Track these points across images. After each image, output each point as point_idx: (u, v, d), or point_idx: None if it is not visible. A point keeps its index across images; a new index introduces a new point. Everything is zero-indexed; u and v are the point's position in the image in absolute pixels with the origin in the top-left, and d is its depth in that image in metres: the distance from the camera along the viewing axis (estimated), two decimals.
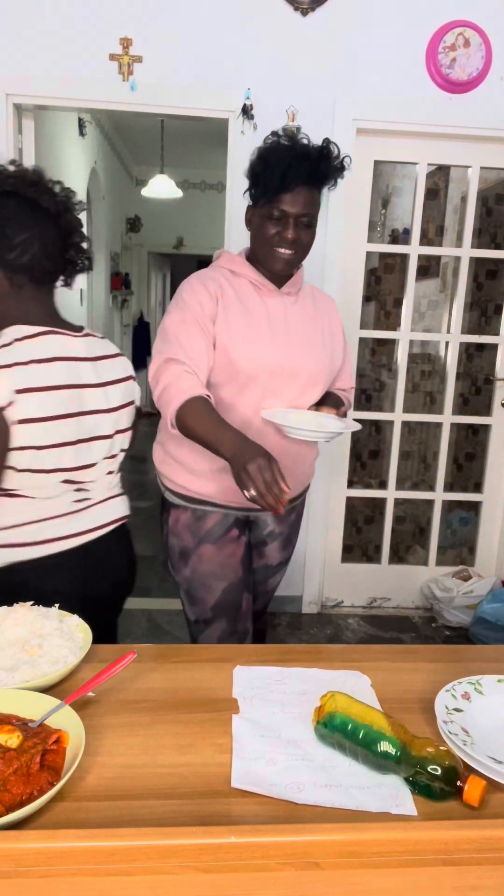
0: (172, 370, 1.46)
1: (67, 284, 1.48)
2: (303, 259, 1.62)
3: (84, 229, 1.43)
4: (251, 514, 1.70)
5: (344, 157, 1.56)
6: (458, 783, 0.80)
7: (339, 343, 1.75)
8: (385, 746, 0.84)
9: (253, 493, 1.23)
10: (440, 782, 0.80)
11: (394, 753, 0.83)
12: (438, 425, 3.28)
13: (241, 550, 1.68)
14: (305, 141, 1.56)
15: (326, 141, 1.55)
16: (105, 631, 1.28)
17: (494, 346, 3.31)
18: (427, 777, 0.81)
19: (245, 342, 1.55)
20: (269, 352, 1.57)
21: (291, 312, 1.64)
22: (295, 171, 1.49)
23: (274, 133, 1.59)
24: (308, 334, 1.64)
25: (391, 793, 0.82)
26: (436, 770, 0.80)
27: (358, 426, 1.58)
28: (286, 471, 1.48)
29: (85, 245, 1.40)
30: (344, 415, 1.69)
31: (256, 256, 1.61)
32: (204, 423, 1.37)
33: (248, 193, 1.61)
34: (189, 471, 1.63)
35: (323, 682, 1.05)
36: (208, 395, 1.44)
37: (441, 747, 0.83)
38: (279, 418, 1.53)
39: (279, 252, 1.56)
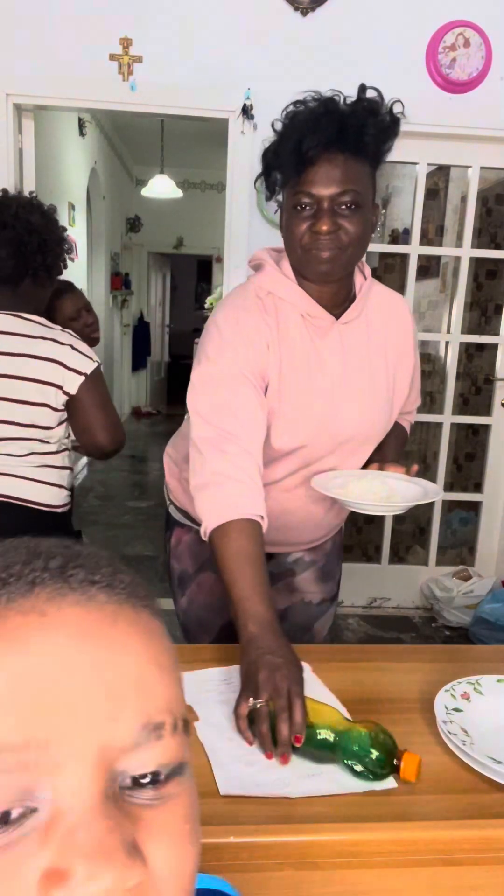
0: (231, 458, 1.09)
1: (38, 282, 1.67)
2: (355, 259, 1.16)
3: (59, 249, 1.62)
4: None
5: (393, 103, 1.10)
6: (395, 762, 0.81)
7: (409, 370, 1.33)
8: (322, 734, 0.84)
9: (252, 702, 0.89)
10: (376, 764, 0.81)
11: (330, 740, 0.83)
12: (438, 425, 3.28)
13: None
14: (338, 98, 1.10)
15: (363, 88, 1.10)
16: None
17: (494, 346, 3.31)
18: (363, 761, 0.81)
19: (286, 413, 1.18)
20: (316, 425, 1.21)
21: (350, 353, 1.22)
22: (314, 133, 1.04)
23: (298, 102, 1.13)
24: (371, 386, 1.25)
25: None
26: (370, 753, 0.81)
27: (439, 492, 1.22)
28: (320, 527, 1.34)
29: (52, 259, 1.60)
30: (416, 472, 1.29)
31: (295, 266, 1.20)
32: (236, 571, 1.03)
33: (270, 189, 1.17)
34: None
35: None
36: (261, 517, 1.08)
37: (373, 728, 0.83)
38: (336, 488, 1.19)
39: (314, 256, 1.11)
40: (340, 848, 0.68)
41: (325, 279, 1.15)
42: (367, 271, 1.26)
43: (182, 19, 2.57)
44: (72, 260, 5.70)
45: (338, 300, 1.21)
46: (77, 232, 5.41)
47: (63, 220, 4.95)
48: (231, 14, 2.59)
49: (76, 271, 5.47)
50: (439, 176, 4.33)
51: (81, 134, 5.39)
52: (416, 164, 2.94)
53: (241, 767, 0.84)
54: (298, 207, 1.10)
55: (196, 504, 1.11)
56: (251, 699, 0.88)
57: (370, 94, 1.11)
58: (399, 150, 3.13)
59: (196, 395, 1.17)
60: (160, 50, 2.58)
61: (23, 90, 2.60)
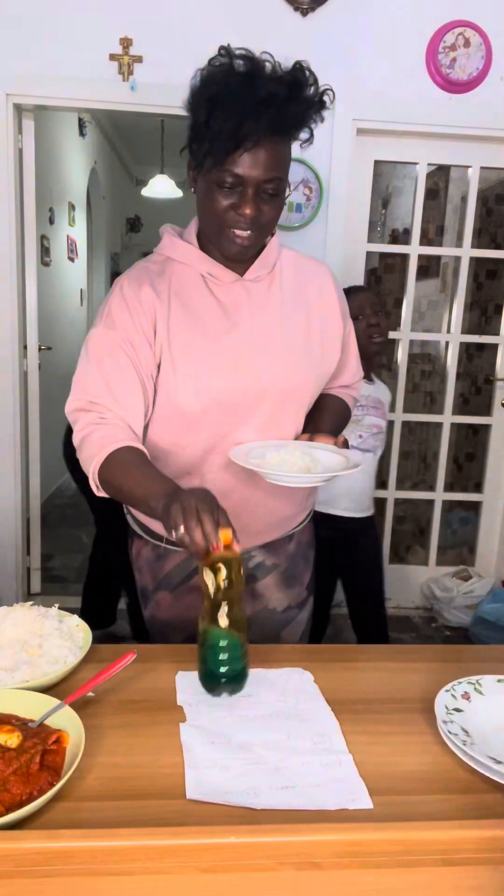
0: (87, 418, 1.15)
1: None
2: (266, 237, 1.20)
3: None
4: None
5: (324, 90, 1.10)
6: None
7: (335, 332, 1.31)
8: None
9: (181, 533, 0.92)
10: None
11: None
12: (438, 425, 3.28)
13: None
14: (269, 66, 1.08)
15: (298, 65, 1.10)
16: None
17: (494, 346, 3.32)
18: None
19: (189, 370, 1.17)
20: (225, 378, 1.18)
21: (259, 309, 1.22)
22: (254, 120, 1.03)
23: (224, 52, 1.10)
24: (283, 337, 1.22)
25: (345, 787, 0.81)
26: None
27: (359, 463, 1.16)
28: (266, 516, 1.28)
29: None
30: (344, 444, 1.25)
31: (206, 235, 1.21)
32: (132, 474, 1.06)
33: (196, 159, 1.13)
34: None
35: (267, 682, 1.05)
36: (141, 449, 1.12)
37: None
38: (255, 459, 1.15)
39: (233, 234, 1.13)
40: (341, 848, 0.68)
41: (237, 258, 1.18)
42: (274, 231, 1.26)
43: (182, 19, 2.57)
44: (72, 260, 5.71)
45: (244, 265, 1.22)
46: (77, 232, 5.42)
47: (63, 220, 4.96)
48: (231, 14, 2.59)
49: (76, 271, 5.47)
50: (439, 176, 4.33)
51: (81, 134, 5.39)
52: (416, 164, 2.94)
53: (216, 772, 0.83)
54: (223, 184, 1.09)
55: (81, 462, 1.14)
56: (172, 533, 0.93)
57: (304, 73, 1.10)
58: (399, 150, 3.14)
59: (80, 367, 1.20)
60: (160, 50, 2.58)
61: (23, 90, 2.60)
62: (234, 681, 0.99)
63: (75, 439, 1.16)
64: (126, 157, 7.39)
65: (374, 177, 2.92)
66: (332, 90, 1.11)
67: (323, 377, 1.31)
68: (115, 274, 7.18)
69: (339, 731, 0.92)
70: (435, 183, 4.34)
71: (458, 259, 3.10)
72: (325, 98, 1.10)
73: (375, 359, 2.15)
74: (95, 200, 6.25)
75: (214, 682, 0.99)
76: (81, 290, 5.72)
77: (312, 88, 1.09)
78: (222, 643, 0.97)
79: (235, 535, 0.95)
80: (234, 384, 1.19)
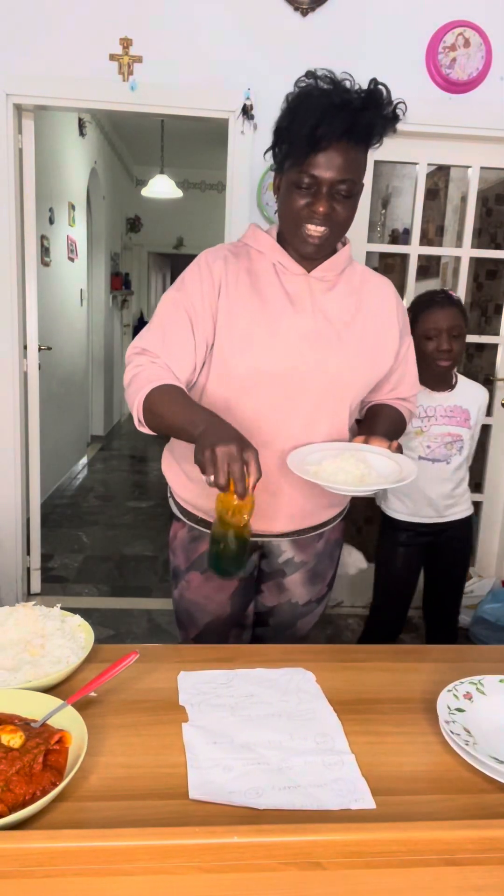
0: (140, 360, 1.25)
1: None
2: (339, 239, 1.29)
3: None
4: (260, 540, 1.43)
5: (397, 104, 1.20)
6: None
7: (390, 342, 1.38)
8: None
9: (212, 479, 1.02)
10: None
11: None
12: None
13: (233, 585, 1.44)
14: (348, 83, 1.20)
15: (374, 82, 1.19)
16: None
17: (494, 346, 3.32)
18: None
19: (254, 338, 1.27)
20: (277, 353, 1.27)
21: (322, 301, 1.31)
22: (329, 124, 1.13)
23: (310, 74, 1.22)
24: (339, 335, 1.30)
25: (348, 788, 0.82)
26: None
27: (412, 472, 1.20)
28: (306, 500, 1.37)
29: None
30: (398, 449, 1.29)
31: (283, 234, 1.31)
32: (173, 407, 1.16)
33: (271, 154, 1.27)
34: (188, 478, 1.41)
35: (269, 682, 1.05)
36: (183, 388, 1.23)
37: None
38: (312, 464, 1.23)
39: (308, 230, 1.22)
40: (343, 848, 0.68)
41: (312, 255, 1.26)
42: (346, 239, 1.36)
43: (182, 19, 2.57)
44: (72, 260, 5.71)
45: (314, 264, 1.31)
46: (77, 232, 5.41)
47: (63, 220, 4.96)
48: (231, 14, 2.59)
49: (76, 271, 5.47)
50: (439, 176, 4.33)
51: (81, 134, 5.39)
52: (416, 164, 2.94)
53: (219, 772, 0.83)
54: (300, 185, 1.19)
55: (128, 401, 1.24)
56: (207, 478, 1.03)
57: (380, 88, 1.20)
58: (399, 150, 3.14)
59: (156, 313, 1.33)
60: (160, 50, 2.58)
61: (23, 90, 2.60)
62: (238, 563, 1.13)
63: (126, 378, 1.26)
64: (126, 157, 7.39)
65: (374, 177, 2.92)
66: (404, 103, 1.21)
67: (370, 382, 1.38)
68: (115, 274, 7.18)
69: (341, 731, 0.93)
70: (435, 183, 4.34)
71: (458, 259, 3.10)
72: (399, 111, 1.20)
73: (446, 374, 2.05)
74: (95, 200, 6.25)
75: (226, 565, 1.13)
76: (81, 290, 5.72)
77: (386, 101, 1.19)
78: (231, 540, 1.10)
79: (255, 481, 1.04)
80: (285, 360, 1.28)
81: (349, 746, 0.89)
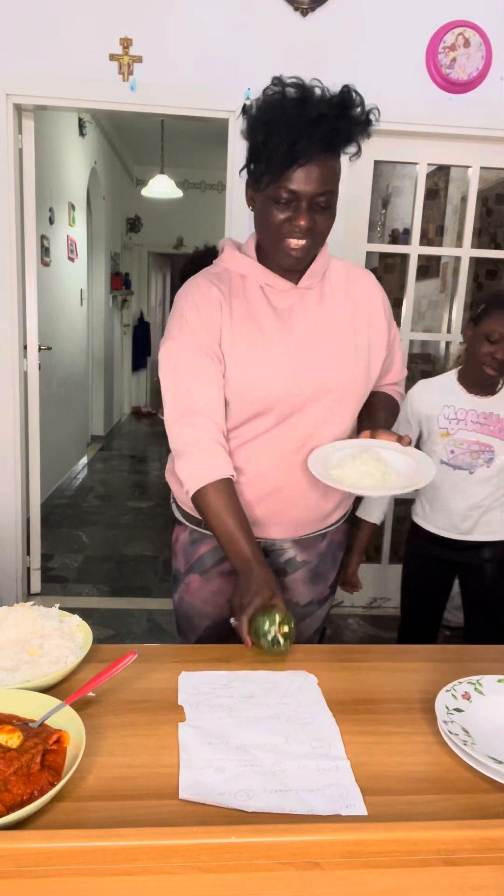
0: (196, 428, 1.26)
1: None
2: (320, 248, 1.29)
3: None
4: (263, 541, 1.43)
5: (370, 110, 1.17)
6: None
7: (381, 334, 1.39)
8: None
9: (236, 625, 1.16)
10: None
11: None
12: None
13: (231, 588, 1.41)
14: (319, 90, 1.16)
15: (347, 88, 1.16)
16: None
17: None
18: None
19: (253, 367, 1.27)
20: (285, 375, 1.27)
21: (313, 313, 1.32)
22: (308, 139, 1.12)
23: (276, 81, 1.18)
24: (335, 339, 1.32)
25: (340, 793, 0.81)
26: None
27: (432, 469, 1.25)
28: (318, 506, 1.40)
29: None
30: (409, 443, 1.32)
31: (264, 247, 1.30)
32: (221, 520, 1.23)
33: (245, 170, 1.24)
34: None
35: (270, 684, 1.04)
36: (231, 475, 1.26)
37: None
38: (333, 468, 1.26)
39: (290, 245, 1.21)
40: (342, 848, 0.68)
41: (294, 267, 1.27)
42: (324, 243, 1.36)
43: (182, 19, 2.57)
44: (72, 260, 5.71)
45: (298, 275, 1.31)
46: (77, 232, 5.42)
47: (63, 220, 4.96)
48: (231, 14, 2.59)
49: (76, 271, 5.47)
50: (439, 176, 4.33)
51: (81, 134, 5.39)
52: (416, 164, 2.94)
53: (211, 773, 0.83)
54: (279, 200, 1.18)
55: (177, 470, 1.29)
56: (232, 619, 1.18)
57: (353, 95, 1.17)
58: (399, 150, 3.14)
59: (162, 374, 1.32)
60: (160, 50, 2.58)
61: (23, 90, 2.60)
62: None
63: (177, 444, 1.29)
64: (126, 157, 7.40)
65: (374, 177, 2.92)
66: (378, 109, 1.18)
67: (371, 378, 1.39)
68: (115, 274, 7.18)
69: (338, 737, 0.92)
70: (435, 183, 4.35)
71: (458, 259, 3.10)
72: (372, 116, 1.18)
73: (489, 379, 1.85)
74: (95, 200, 6.25)
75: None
76: (81, 290, 5.72)
77: (359, 108, 1.16)
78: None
79: (291, 624, 1.14)
80: (297, 379, 1.28)
81: (345, 752, 0.89)
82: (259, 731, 0.92)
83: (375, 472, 1.23)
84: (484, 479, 1.87)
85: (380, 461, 1.26)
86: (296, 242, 1.21)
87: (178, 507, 1.50)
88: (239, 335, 1.27)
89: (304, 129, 1.12)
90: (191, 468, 1.26)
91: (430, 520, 1.98)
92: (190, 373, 1.27)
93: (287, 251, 1.22)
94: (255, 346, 1.27)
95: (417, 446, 1.91)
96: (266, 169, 1.16)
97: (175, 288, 11.44)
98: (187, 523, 1.48)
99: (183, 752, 0.87)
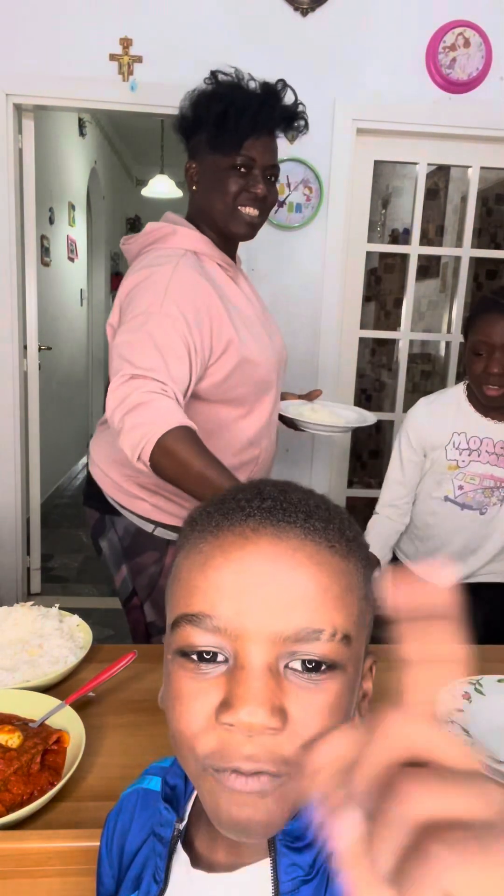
0: (148, 387, 1.12)
1: None
2: (264, 221, 1.36)
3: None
4: None
5: (299, 101, 1.34)
6: None
7: None
8: None
9: None
10: None
11: None
12: None
13: None
14: (253, 83, 1.32)
15: (282, 83, 1.32)
16: None
17: None
18: None
19: (252, 340, 1.32)
20: (268, 348, 1.36)
21: (251, 291, 1.44)
22: (269, 111, 1.26)
23: (213, 73, 1.34)
24: (268, 314, 1.46)
25: None
26: None
27: (373, 416, 1.56)
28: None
29: None
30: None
31: (209, 222, 1.34)
32: (202, 456, 1.10)
33: (194, 143, 1.32)
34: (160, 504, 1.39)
35: None
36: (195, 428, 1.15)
37: None
38: (298, 417, 1.46)
39: (245, 212, 1.29)
40: None
41: (247, 237, 1.35)
42: None
43: (182, 19, 2.57)
44: (72, 260, 5.70)
45: (233, 249, 1.41)
46: (77, 232, 5.42)
47: (63, 220, 4.96)
48: (231, 14, 2.59)
49: (76, 271, 5.47)
50: (439, 176, 4.33)
51: (81, 134, 5.39)
52: (416, 164, 2.94)
53: None
54: (234, 168, 1.27)
55: (126, 430, 1.11)
56: None
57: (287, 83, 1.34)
58: (399, 150, 3.14)
59: (134, 338, 1.18)
60: (160, 50, 2.58)
61: (23, 90, 2.60)
62: None
63: (130, 401, 1.12)
64: (126, 157, 7.39)
65: (374, 177, 2.92)
66: (303, 103, 1.34)
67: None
68: (115, 274, 7.18)
69: None
70: (435, 183, 4.35)
71: (458, 259, 3.10)
72: (301, 105, 1.34)
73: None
74: (95, 200, 6.25)
75: None
76: (81, 290, 5.73)
77: (294, 96, 1.33)
78: None
79: None
80: (275, 347, 1.41)
81: None
82: None
83: (337, 419, 1.49)
84: (497, 520, 1.55)
85: (332, 412, 1.53)
86: (251, 210, 1.29)
87: (168, 527, 1.40)
88: (233, 314, 1.30)
89: (266, 103, 1.27)
90: (149, 414, 1.10)
91: (424, 558, 1.65)
92: (171, 356, 1.16)
93: (242, 218, 1.30)
94: (245, 322, 1.33)
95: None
96: (226, 137, 1.25)
97: None
98: (168, 532, 1.39)
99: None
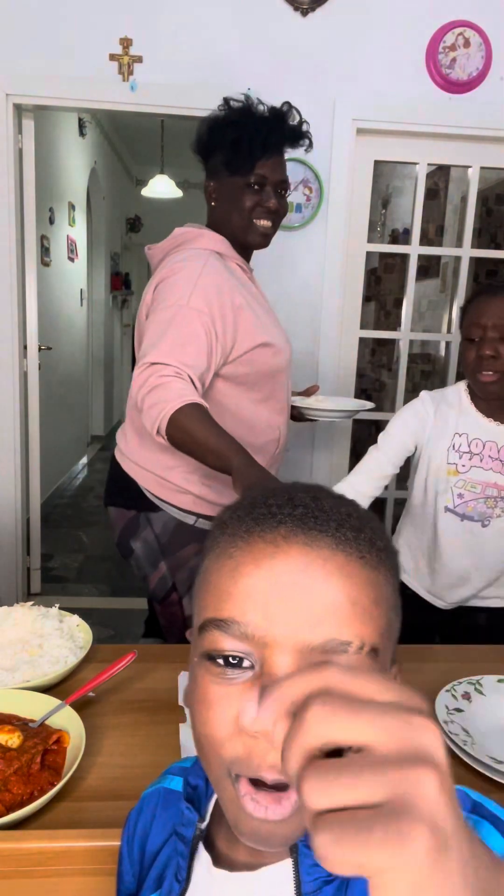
0: (164, 372, 1.25)
1: None
2: (276, 231, 1.54)
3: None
4: None
5: (303, 120, 1.52)
6: None
7: None
8: None
9: None
10: None
11: None
12: None
13: None
14: (262, 106, 1.49)
15: (287, 105, 1.49)
16: None
17: None
18: None
19: (272, 327, 1.51)
20: (282, 341, 1.54)
21: (262, 294, 1.62)
22: (279, 133, 1.44)
23: (226, 101, 1.51)
24: (274, 314, 1.63)
25: None
26: None
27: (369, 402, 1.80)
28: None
29: None
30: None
31: (227, 233, 1.50)
32: (210, 428, 1.19)
33: (211, 164, 1.50)
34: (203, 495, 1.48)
35: None
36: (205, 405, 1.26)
37: None
38: (317, 406, 1.69)
39: (260, 225, 1.47)
40: None
41: (262, 245, 1.51)
42: None
43: (182, 19, 2.57)
44: (72, 260, 5.70)
45: (248, 256, 1.58)
46: (77, 232, 5.42)
47: (63, 220, 4.96)
48: (231, 14, 2.59)
49: (76, 271, 5.47)
50: (439, 176, 4.33)
51: (81, 134, 5.39)
52: (416, 164, 2.94)
53: None
54: (249, 185, 1.44)
55: (146, 407, 1.25)
56: None
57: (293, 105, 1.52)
58: (399, 150, 3.14)
59: (168, 330, 1.29)
60: (160, 50, 2.58)
61: (23, 90, 2.60)
62: None
63: (149, 384, 1.25)
64: (126, 157, 7.39)
65: (374, 177, 2.92)
66: (307, 122, 1.53)
67: None
68: (115, 274, 7.18)
69: None
70: (435, 183, 4.35)
71: (458, 259, 3.10)
72: (306, 124, 1.52)
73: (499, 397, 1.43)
74: (95, 200, 6.25)
75: None
76: (81, 290, 5.72)
77: (299, 117, 1.51)
78: None
79: None
80: (286, 349, 1.55)
81: None
82: None
83: (341, 405, 1.76)
84: (500, 531, 1.43)
85: (336, 402, 1.80)
86: (265, 222, 1.47)
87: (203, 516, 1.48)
88: (255, 307, 1.46)
89: (275, 126, 1.45)
90: (164, 393, 1.22)
91: (419, 577, 1.53)
92: (191, 346, 1.29)
93: (257, 230, 1.47)
94: (259, 318, 1.46)
95: (407, 474, 1.59)
96: (242, 160, 1.42)
97: None
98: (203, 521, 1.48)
99: (185, 754, 0.86)
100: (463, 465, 1.41)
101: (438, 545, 1.45)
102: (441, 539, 1.45)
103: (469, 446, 1.41)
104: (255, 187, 1.44)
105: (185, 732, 0.91)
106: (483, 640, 1.39)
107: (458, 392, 1.48)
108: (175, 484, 1.45)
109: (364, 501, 1.40)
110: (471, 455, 1.41)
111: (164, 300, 1.35)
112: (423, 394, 1.51)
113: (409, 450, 1.48)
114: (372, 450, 1.50)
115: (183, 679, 1.05)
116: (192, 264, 1.38)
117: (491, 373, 1.34)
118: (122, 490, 1.52)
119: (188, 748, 0.88)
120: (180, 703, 0.99)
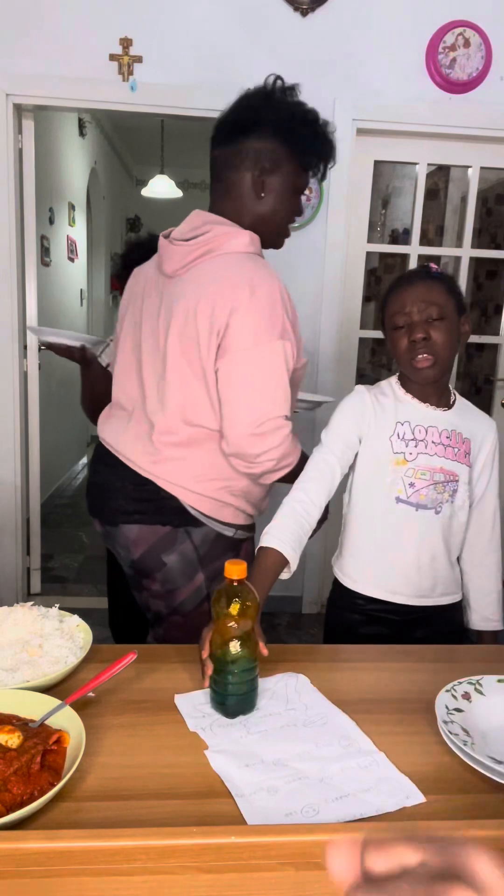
0: (285, 431, 1.40)
1: None
2: None
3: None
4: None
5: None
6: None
7: None
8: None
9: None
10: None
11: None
12: None
13: None
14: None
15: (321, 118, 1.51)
16: None
17: (494, 346, 3.31)
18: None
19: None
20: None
21: None
22: (332, 140, 1.46)
23: (292, 87, 1.44)
24: None
25: (394, 787, 0.81)
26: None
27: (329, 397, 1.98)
28: None
29: None
30: None
31: (258, 230, 1.43)
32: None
33: (269, 152, 1.38)
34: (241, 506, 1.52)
35: (267, 692, 1.02)
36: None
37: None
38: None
39: (289, 230, 1.51)
40: None
41: (279, 247, 1.54)
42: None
43: (182, 19, 2.58)
44: (72, 260, 5.69)
45: None
46: (77, 232, 5.41)
47: (63, 220, 4.96)
48: (231, 14, 2.59)
49: (76, 271, 5.47)
50: (439, 176, 4.33)
51: (81, 134, 5.39)
52: (416, 164, 2.94)
53: (265, 796, 0.79)
54: (299, 189, 1.45)
55: (282, 465, 1.43)
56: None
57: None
58: (399, 150, 3.14)
59: (278, 379, 1.38)
60: (160, 50, 2.58)
61: (23, 90, 2.60)
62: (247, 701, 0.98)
63: (284, 445, 1.38)
64: (126, 157, 7.39)
65: (374, 177, 2.92)
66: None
67: None
68: (115, 274, 7.17)
69: (359, 730, 0.92)
70: (435, 183, 4.35)
71: (458, 259, 3.10)
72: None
73: (435, 384, 1.40)
74: (95, 200, 6.25)
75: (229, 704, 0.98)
76: (81, 290, 5.72)
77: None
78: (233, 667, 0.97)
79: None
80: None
81: (373, 744, 0.89)
82: (285, 742, 0.90)
83: (303, 396, 1.82)
84: (449, 517, 1.41)
85: (314, 396, 2.02)
86: (289, 230, 1.50)
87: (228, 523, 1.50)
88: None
89: (332, 144, 1.46)
90: (294, 458, 1.44)
91: (370, 579, 1.44)
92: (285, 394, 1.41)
93: (285, 236, 1.50)
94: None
95: (347, 483, 1.51)
96: (318, 158, 1.43)
97: None
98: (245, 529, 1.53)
99: (227, 782, 0.82)
100: (410, 454, 1.38)
101: (391, 538, 1.40)
102: (392, 531, 1.40)
103: (413, 433, 1.39)
104: (301, 192, 1.46)
105: (217, 760, 0.87)
106: (455, 638, 1.42)
107: (390, 384, 1.46)
108: (222, 500, 1.45)
109: (317, 513, 1.36)
110: (416, 442, 1.39)
111: (245, 339, 1.33)
112: (359, 387, 1.48)
113: (355, 445, 1.42)
114: (317, 451, 1.41)
115: (180, 702, 1.01)
116: (262, 287, 1.33)
117: (426, 355, 1.33)
118: (156, 509, 1.42)
119: (227, 775, 0.84)
120: (191, 728, 0.99)
